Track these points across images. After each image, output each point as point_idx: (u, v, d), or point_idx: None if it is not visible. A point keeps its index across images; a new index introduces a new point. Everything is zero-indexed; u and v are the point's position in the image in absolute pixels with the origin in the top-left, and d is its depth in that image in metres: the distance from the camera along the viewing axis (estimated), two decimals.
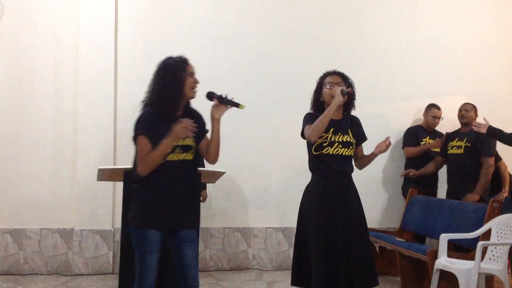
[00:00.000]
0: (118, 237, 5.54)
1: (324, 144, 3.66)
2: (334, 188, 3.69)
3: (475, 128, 5.53)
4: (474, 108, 6.08)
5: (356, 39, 6.77)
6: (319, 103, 3.81)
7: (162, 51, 6.13)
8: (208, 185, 5.66)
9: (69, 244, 5.97)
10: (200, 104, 3.44)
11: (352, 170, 3.79)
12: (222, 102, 3.34)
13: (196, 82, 3.33)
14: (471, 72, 7.06)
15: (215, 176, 4.65)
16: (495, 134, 5.44)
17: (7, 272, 5.82)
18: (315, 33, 6.66)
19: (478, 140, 5.78)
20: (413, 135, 6.59)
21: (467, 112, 6.03)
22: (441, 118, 6.57)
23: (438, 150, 6.48)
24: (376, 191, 6.80)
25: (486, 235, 4.79)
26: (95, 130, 5.99)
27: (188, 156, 3.31)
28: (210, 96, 3.36)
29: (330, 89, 3.73)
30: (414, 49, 6.92)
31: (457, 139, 6.02)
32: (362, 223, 3.77)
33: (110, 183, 5.87)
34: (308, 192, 3.75)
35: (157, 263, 3.25)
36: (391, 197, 6.83)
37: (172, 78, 3.27)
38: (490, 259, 4.71)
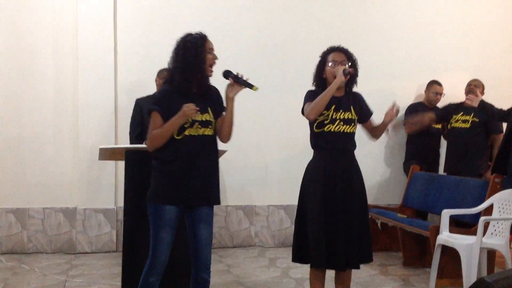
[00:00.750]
0: (121, 215, 5.55)
1: (326, 122, 3.63)
2: (336, 165, 3.66)
3: (467, 102, 5.52)
4: (482, 85, 6.05)
5: (358, 16, 6.73)
6: (321, 79, 3.76)
7: (162, 29, 6.19)
8: None
9: (73, 223, 6.00)
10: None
11: (354, 148, 3.76)
12: (237, 81, 3.35)
13: (214, 58, 3.35)
14: (475, 48, 7.01)
15: None
16: (486, 109, 5.44)
17: (11, 251, 5.87)
18: (316, 11, 6.61)
19: (488, 117, 5.68)
20: (414, 112, 6.55)
21: (476, 87, 5.96)
22: (442, 95, 6.54)
23: (439, 126, 6.46)
24: (378, 168, 6.81)
25: (488, 211, 4.80)
26: (96, 109, 5.98)
27: (208, 132, 3.33)
28: (226, 75, 3.37)
29: (333, 67, 3.68)
30: (417, 25, 6.87)
31: (462, 112, 5.95)
32: (363, 200, 3.75)
33: (112, 162, 5.88)
34: (310, 169, 3.74)
35: (171, 240, 3.28)
36: (393, 173, 6.84)
37: (192, 55, 3.28)
38: (492, 234, 4.72)
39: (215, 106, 3.37)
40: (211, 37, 6.64)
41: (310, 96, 3.68)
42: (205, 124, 3.31)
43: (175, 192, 3.26)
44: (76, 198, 6.01)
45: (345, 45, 6.73)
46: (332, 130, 3.63)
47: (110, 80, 6.03)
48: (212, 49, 3.35)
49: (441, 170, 6.49)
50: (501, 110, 5.42)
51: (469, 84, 6.06)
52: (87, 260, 5.68)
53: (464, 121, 5.92)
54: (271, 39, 6.50)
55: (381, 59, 6.72)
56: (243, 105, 6.19)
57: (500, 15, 7.09)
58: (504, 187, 4.90)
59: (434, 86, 6.52)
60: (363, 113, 3.78)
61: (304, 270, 4.53)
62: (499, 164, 4.99)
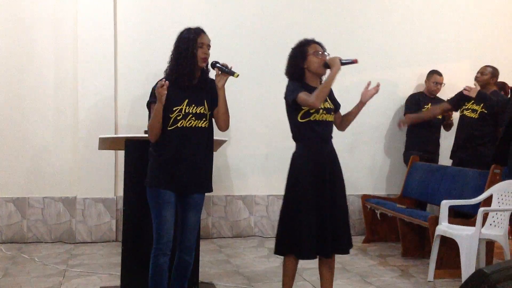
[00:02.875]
0: (120, 205, 5.57)
1: (311, 111, 3.67)
2: (324, 154, 3.72)
3: (465, 92, 5.47)
4: (492, 72, 5.81)
5: (359, 5, 6.70)
6: (301, 70, 3.76)
7: (162, 16, 6.16)
8: None
9: (72, 213, 6.00)
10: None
11: (332, 137, 3.83)
12: (221, 71, 3.44)
13: (205, 53, 3.45)
14: (477, 37, 6.98)
15: (217, 144, 4.63)
16: (484, 99, 5.41)
17: (11, 240, 5.87)
18: (317, 0, 6.58)
19: (498, 109, 5.55)
20: (414, 102, 6.55)
21: (482, 75, 5.79)
22: (443, 84, 6.52)
23: (440, 116, 6.45)
24: (378, 158, 6.82)
25: (487, 201, 4.80)
26: (96, 99, 5.96)
27: (201, 124, 3.46)
28: (212, 65, 3.48)
29: (319, 57, 3.70)
30: (418, 13, 6.85)
31: (473, 101, 5.77)
32: (344, 188, 3.81)
33: (112, 152, 5.88)
34: (298, 161, 3.74)
35: (173, 220, 3.44)
36: (393, 164, 6.84)
37: (183, 49, 3.43)
38: (491, 225, 4.73)
39: (212, 99, 3.49)
40: (213, 24, 6.63)
41: (299, 87, 3.68)
42: (199, 116, 3.45)
43: (167, 178, 3.42)
44: (76, 188, 6.01)
45: (346, 34, 6.76)
46: (317, 119, 3.68)
47: (110, 69, 6.01)
48: (203, 43, 3.46)
49: (441, 161, 6.48)
50: (499, 99, 5.39)
51: (477, 72, 5.87)
52: (86, 249, 5.69)
53: (473, 111, 5.78)
54: (273, 25, 6.46)
55: (382, 49, 6.70)
56: (243, 93, 6.24)
57: (503, 3, 7.05)
58: (503, 177, 4.89)
59: (434, 76, 6.50)
60: (335, 104, 3.84)
61: (303, 261, 4.52)
62: (500, 155, 4.96)
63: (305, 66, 3.74)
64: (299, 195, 3.65)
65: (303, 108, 3.65)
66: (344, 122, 3.90)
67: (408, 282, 4.76)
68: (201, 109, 3.45)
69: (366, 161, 6.76)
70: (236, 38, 6.33)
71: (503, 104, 5.32)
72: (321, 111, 3.67)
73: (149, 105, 3.48)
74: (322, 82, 3.72)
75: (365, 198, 6.27)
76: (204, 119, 3.46)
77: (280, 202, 6.33)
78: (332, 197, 3.67)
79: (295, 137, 3.79)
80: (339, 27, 6.55)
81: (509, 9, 7.11)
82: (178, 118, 3.40)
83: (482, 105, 5.70)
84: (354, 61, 3.67)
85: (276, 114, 6.39)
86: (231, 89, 6.23)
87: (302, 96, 3.61)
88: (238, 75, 3.38)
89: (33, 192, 5.97)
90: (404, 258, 5.53)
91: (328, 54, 3.75)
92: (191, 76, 3.45)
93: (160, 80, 3.39)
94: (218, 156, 6.07)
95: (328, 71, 3.69)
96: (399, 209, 5.67)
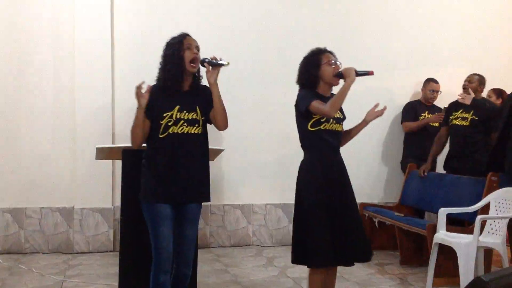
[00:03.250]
0: (118, 215, 5.55)
1: (322, 120, 3.66)
2: (333, 163, 3.71)
3: (460, 99, 5.49)
4: (480, 79, 5.83)
5: (357, 11, 6.74)
6: (314, 79, 3.74)
7: (160, 20, 6.16)
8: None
9: (70, 223, 5.98)
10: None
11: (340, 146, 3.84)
12: (211, 65, 3.40)
13: (194, 53, 3.39)
14: (474, 42, 7.00)
15: (214, 153, 4.64)
16: (479, 105, 5.42)
17: (8, 251, 5.85)
18: (315, 2, 6.61)
19: (488, 115, 5.53)
20: (411, 110, 6.57)
21: (469, 83, 5.79)
22: (439, 92, 6.54)
23: (437, 124, 6.45)
24: (375, 166, 6.82)
25: (485, 209, 4.80)
26: (93, 108, 5.96)
27: (194, 130, 3.38)
28: (202, 63, 3.43)
29: (333, 66, 3.68)
30: (416, 20, 6.88)
31: (462, 110, 5.75)
32: (354, 197, 3.80)
33: (110, 161, 5.87)
34: (306, 170, 3.73)
35: (171, 234, 3.35)
36: (390, 172, 6.84)
37: (170, 54, 3.38)
38: (488, 232, 4.73)
39: (204, 104, 3.42)
40: (210, 27, 6.61)
41: (313, 96, 3.66)
42: (191, 122, 3.37)
43: (162, 189, 3.34)
44: (73, 198, 5.99)
45: (343, 40, 6.78)
46: (327, 128, 3.67)
47: (107, 78, 6.00)
48: (191, 44, 3.41)
49: (438, 169, 6.48)
50: (494, 106, 5.39)
51: (464, 81, 5.96)
52: (84, 260, 5.67)
53: (463, 119, 5.77)
54: (270, 30, 6.46)
55: (379, 56, 6.69)
56: (239, 100, 6.23)
57: (500, 9, 7.09)
58: (500, 184, 4.90)
59: (430, 83, 6.52)
60: (343, 115, 3.83)
61: (301, 270, 4.52)
62: (495, 161, 4.97)
63: (318, 75, 3.73)
64: (309, 203, 3.63)
65: (314, 116, 3.64)
66: (343, 138, 3.87)
67: None
68: (193, 115, 3.37)
69: (363, 169, 6.75)
70: (235, 41, 6.33)
71: (498, 110, 5.33)
72: (331, 120, 3.65)
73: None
74: (332, 92, 3.73)
75: (363, 206, 6.26)
76: (196, 125, 3.39)
77: (278, 210, 6.48)
78: (343, 206, 3.65)
79: (304, 146, 3.78)
80: (336, 34, 6.55)
81: (506, 15, 7.13)
82: (169, 124, 3.32)
83: (472, 112, 5.70)
84: (369, 73, 3.63)
85: (274, 122, 6.45)
86: (228, 94, 6.28)
87: (316, 104, 3.59)
88: (229, 63, 3.36)
89: (30, 203, 5.95)
90: (402, 266, 5.53)
91: (341, 63, 3.74)
92: (180, 80, 3.39)
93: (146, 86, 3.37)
94: (215, 166, 6.07)
95: (341, 81, 3.67)
96: (397, 217, 5.67)
